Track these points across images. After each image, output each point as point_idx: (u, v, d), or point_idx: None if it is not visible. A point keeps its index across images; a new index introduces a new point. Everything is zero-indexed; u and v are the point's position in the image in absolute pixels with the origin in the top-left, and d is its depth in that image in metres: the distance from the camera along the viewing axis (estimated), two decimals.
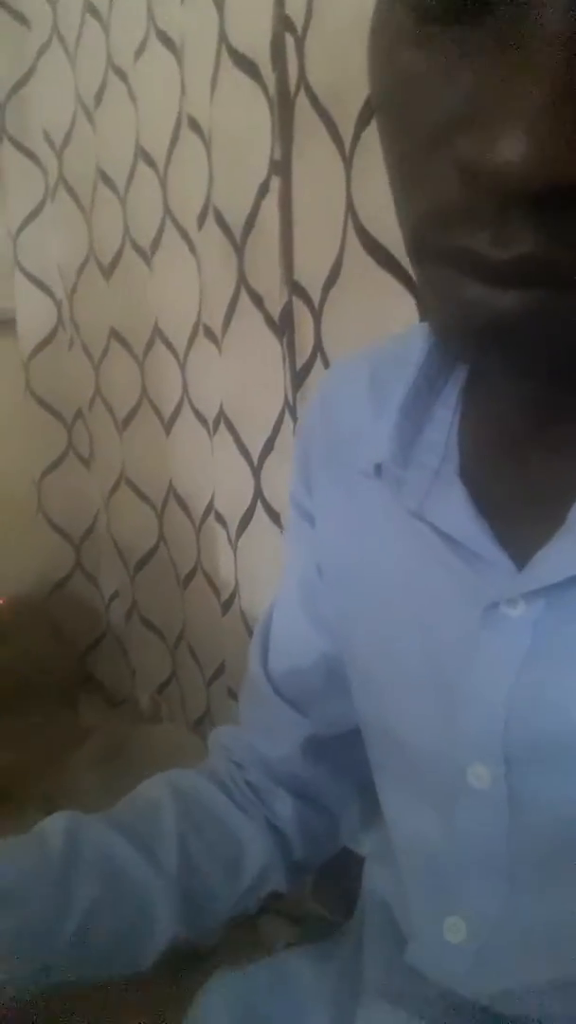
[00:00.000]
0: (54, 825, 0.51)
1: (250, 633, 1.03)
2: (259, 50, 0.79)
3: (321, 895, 0.65)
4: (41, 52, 1.24)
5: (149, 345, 1.16)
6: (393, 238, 0.71)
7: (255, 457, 0.95)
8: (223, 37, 0.83)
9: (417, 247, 0.31)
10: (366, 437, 0.45)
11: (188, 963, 0.56)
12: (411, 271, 0.69)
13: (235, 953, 0.59)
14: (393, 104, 0.30)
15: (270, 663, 0.57)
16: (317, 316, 0.82)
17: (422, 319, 0.71)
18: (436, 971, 0.45)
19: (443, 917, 0.44)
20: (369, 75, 0.32)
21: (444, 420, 0.43)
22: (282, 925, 0.75)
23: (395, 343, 0.50)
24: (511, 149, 0.24)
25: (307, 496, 0.54)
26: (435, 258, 0.29)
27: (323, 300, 0.81)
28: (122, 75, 1.07)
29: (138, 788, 0.56)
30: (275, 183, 0.81)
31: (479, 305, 0.28)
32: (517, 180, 0.24)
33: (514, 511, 0.39)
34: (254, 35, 0.79)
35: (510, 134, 0.24)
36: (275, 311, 0.86)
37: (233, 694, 1.12)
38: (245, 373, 0.94)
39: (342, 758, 0.55)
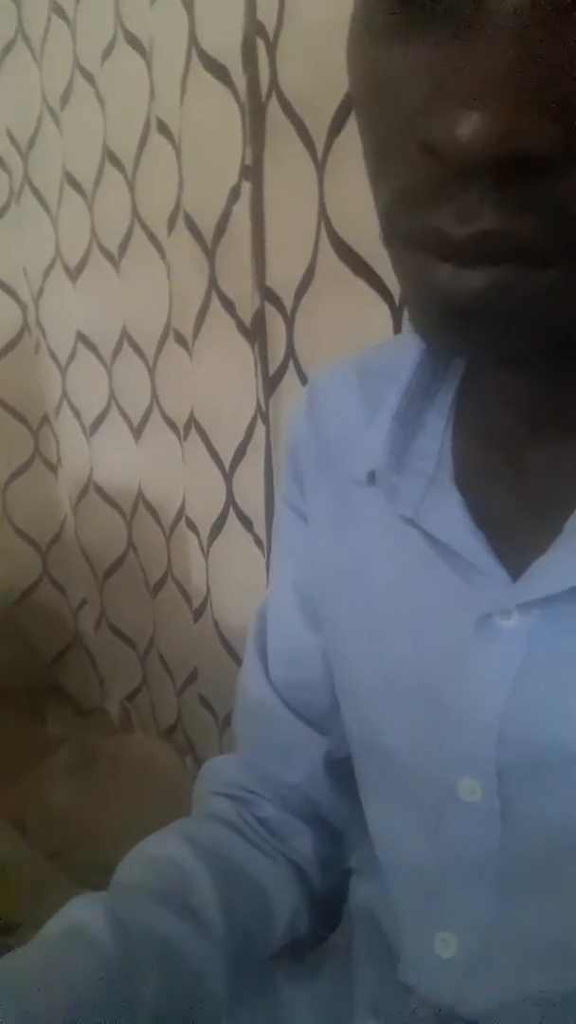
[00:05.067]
0: (91, 914, 0.44)
1: (222, 640, 1.02)
2: (230, 53, 0.78)
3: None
4: (6, 51, 1.22)
5: (117, 349, 1.14)
6: (366, 244, 0.71)
7: (227, 463, 0.95)
8: (193, 40, 0.82)
9: (390, 233, 0.32)
10: (358, 445, 0.45)
11: None
12: (384, 278, 0.70)
13: None
14: (365, 96, 0.31)
15: (274, 678, 0.54)
16: (289, 322, 0.82)
17: (396, 328, 0.70)
18: (428, 987, 0.45)
19: (434, 932, 0.44)
20: (348, 72, 0.32)
21: (437, 428, 0.43)
22: None
23: (386, 350, 0.50)
24: (467, 124, 0.25)
25: (301, 498, 0.52)
26: (406, 242, 0.30)
27: (295, 306, 0.80)
28: (89, 77, 1.06)
29: (149, 845, 0.52)
30: (246, 188, 0.81)
31: (449, 287, 0.29)
32: (475, 154, 0.25)
33: (509, 520, 0.39)
34: (225, 38, 0.78)
35: (466, 110, 0.25)
36: (247, 317, 0.85)
37: (205, 702, 1.11)
38: (216, 379, 0.93)
39: (353, 774, 0.52)
